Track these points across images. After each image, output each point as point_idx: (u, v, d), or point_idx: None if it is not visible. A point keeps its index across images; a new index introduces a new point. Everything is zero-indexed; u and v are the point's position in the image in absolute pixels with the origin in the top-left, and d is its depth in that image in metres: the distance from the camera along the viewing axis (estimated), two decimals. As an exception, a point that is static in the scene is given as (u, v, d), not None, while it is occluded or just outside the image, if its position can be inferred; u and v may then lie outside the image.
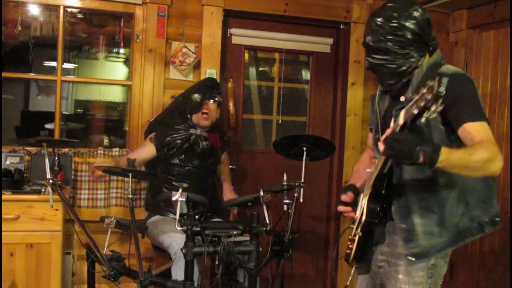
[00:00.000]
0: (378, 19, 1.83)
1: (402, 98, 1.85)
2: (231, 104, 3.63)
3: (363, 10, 3.76)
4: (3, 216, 2.74)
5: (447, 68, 1.82)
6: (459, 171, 1.63)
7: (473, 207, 1.84)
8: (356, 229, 1.89)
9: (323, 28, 3.87)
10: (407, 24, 1.78)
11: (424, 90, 1.47)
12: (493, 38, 3.57)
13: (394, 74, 1.85)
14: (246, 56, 3.83)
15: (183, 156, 3.01)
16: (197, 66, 3.48)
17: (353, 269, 2.20)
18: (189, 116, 3.01)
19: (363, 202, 1.87)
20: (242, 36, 3.70)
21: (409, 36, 1.79)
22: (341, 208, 1.98)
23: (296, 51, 3.88)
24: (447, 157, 1.54)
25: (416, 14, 1.80)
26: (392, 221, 1.91)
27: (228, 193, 3.27)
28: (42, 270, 2.84)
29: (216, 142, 3.14)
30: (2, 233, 2.71)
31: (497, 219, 1.88)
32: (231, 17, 3.65)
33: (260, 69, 3.98)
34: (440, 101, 1.45)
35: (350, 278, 2.07)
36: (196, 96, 3.00)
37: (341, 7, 3.75)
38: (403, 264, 1.87)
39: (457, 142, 1.74)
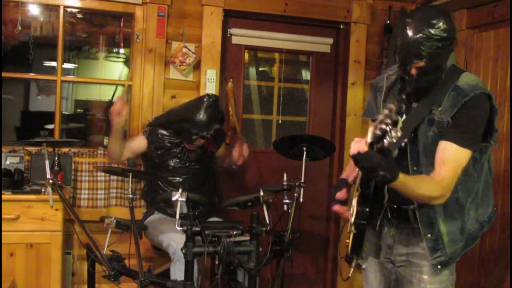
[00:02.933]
0: (416, 30, 1.71)
1: (415, 105, 1.84)
2: (231, 104, 3.63)
3: (363, 10, 3.76)
4: (3, 216, 2.74)
5: (466, 81, 1.77)
6: (410, 195, 1.76)
7: (478, 208, 1.89)
8: (350, 226, 1.91)
9: (323, 28, 3.86)
10: (449, 33, 1.71)
11: (386, 111, 1.51)
12: (493, 38, 3.56)
13: (429, 85, 1.80)
14: (246, 56, 3.83)
15: (173, 157, 3.02)
16: (197, 66, 3.48)
17: (353, 263, 2.22)
18: (179, 133, 2.99)
19: (353, 202, 1.89)
20: (242, 36, 3.70)
21: (450, 45, 1.74)
22: (337, 208, 1.98)
23: (296, 51, 3.88)
24: (399, 185, 1.66)
25: (447, 20, 1.72)
26: (407, 223, 1.92)
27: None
28: (42, 270, 2.84)
29: (209, 144, 3.11)
30: (2, 233, 2.71)
31: (492, 215, 1.94)
32: (231, 17, 3.65)
33: (260, 69, 3.98)
34: (398, 126, 1.50)
35: (351, 270, 2.08)
36: (191, 129, 2.89)
37: (341, 7, 3.75)
38: (428, 265, 1.89)
39: None
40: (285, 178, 2.91)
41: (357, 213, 1.85)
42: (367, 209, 1.85)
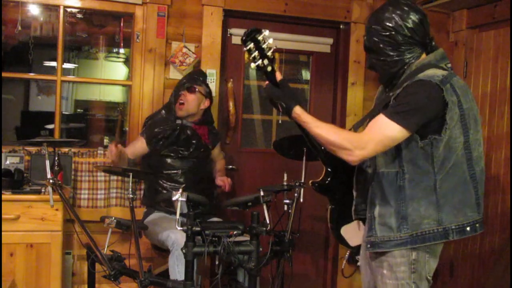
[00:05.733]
0: (372, 20, 1.91)
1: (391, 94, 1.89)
2: (231, 104, 3.63)
3: (363, 10, 3.76)
4: (3, 216, 2.74)
5: (426, 73, 1.82)
6: (313, 136, 1.90)
7: (445, 212, 1.83)
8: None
9: (323, 28, 3.86)
10: (397, 26, 1.84)
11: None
12: (493, 38, 3.57)
13: (386, 73, 1.92)
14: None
15: (171, 146, 3.05)
16: (197, 66, 3.48)
17: (347, 254, 2.29)
18: (173, 107, 3.11)
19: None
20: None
21: (399, 38, 1.84)
22: None
23: (296, 51, 3.88)
24: (297, 117, 1.88)
25: (408, 16, 1.84)
26: None
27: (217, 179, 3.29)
28: (42, 270, 2.84)
29: (204, 134, 3.18)
30: (2, 233, 2.71)
31: (468, 228, 1.85)
32: (231, 17, 3.64)
33: (260, 69, 3.97)
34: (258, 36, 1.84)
35: (344, 262, 2.17)
36: (178, 86, 3.13)
37: (341, 7, 3.75)
38: (386, 260, 1.90)
39: (425, 149, 1.81)
40: (285, 178, 2.92)
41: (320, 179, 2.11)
42: (329, 178, 2.06)
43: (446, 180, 1.83)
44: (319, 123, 1.87)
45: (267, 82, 1.94)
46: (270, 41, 1.86)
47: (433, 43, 1.91)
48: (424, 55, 1.89)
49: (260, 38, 1.83)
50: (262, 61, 1.86)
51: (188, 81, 3.12)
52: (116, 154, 2.84)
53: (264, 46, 1.85)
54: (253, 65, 1.87)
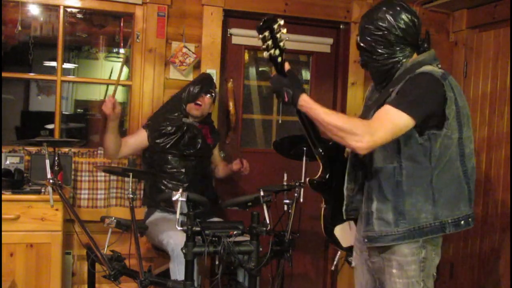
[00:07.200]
0: (365, 20, 1.94)
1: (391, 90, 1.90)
2: (231, 104, 3.63)
3: (363, 10, 3.75)
4: (3, 216, 2.74)
5: (426, 68, 1.86)
6: (319, 126, 1.88)
7: (440, 206, 1.87)
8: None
9: (323, 28, 3.86)
10: (390, 26, 1.87)
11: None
12: (493, 38, 3.57)
13: (378, 72, 1.96)
14: (246, 56, 3.83)
15: (175, 144, 3.05)
16: (197, 66, 3.48)
17: (338, 254, 2.31)
18: (184, 105, 3.10)
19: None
20: (242, 36, 3.70)
21: (391, 37, 1.88)
22: None
23: (296, 51, 3.88)
24: (305, 104, 1.85)
25: (400, 16, 1.87)
26: None
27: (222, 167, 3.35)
28: (42, 270, 2.84)
29: (206, 134, 3.21)
30: (2, 233, 2.71)
31: (462, 222, 1.89)
32: (231, 17, 3.64)
33: (260, 69, 3.98)
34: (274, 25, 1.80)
35: (335, 262, 2.18)
36: (195, 87, 3.12)
37: (341, 7, 3.75)
38: (395, 259, 1.90)
39: (426, 144, 1.83)
40: (285, 178, 2.92)
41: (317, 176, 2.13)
42: (327, 176, 2.07)
43: (441, 175, 1.86)
44: (328, 109, 1.84)
45: (274, 72, 1.92)
46: (284, 31, 1.85)
47: (425, 44, 1.94)
48: (415, 55, 1.93)
49: (275, 26, 1.82)
50: (274, 50, 1.85)
51: (206, 85, 3.15)
52: (113, 106, 2.79)
53: (278, 35, 1.84)
54: (266, 53, 1.86)
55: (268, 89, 3.92)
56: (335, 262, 2.22)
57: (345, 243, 2.32)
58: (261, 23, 1.81)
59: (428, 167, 1.85)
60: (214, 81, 3.35)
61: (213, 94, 3.17)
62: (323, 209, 2.25)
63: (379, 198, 1.91)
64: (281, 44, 1.86)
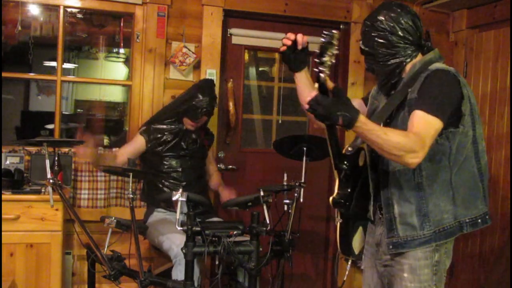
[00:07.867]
0: (366, 24, 1.95)
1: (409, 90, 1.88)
2: (231, 104, 3.63)
3: (363, 10, 3.76)
4: (3, 216, 2.74)
5: (437, 65, 1.86)
6: (374, 146, 1.72)
7: (458, 205, 1.86)
8: (336, 216, 1.97)
9: (323, 28, 3.84)
10: (391, 27, 1.87)
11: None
12: (493, 38, 3.57)
13: (383, 73, 1.94)
14: (246, 56, 3.83)
15: (173, 148, 3.06)
16: (197, 66, 3.48)
17: (349, 264, 2.25)
18: (181, 114, 3.09)
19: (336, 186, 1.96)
20: (242, 36, 3.70)
21: (392, 38, 1.87)
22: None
23: (296, 51, 3.87)
24: (363, 125, 1.65)
25: (400, 17, 1.87)
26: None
27: (224, 191, 3.30)
28: (42, 270, 2.84)
29: (202, 136, 3.22)
30: (2, 233, 2.71)
31: (479, 220, 1.88)
32: (231, 17, 3.64)
33: (260, 69, 3.97)
34: (334, 42, 1.76)
35: (346, 273, 2.11)
36: (197, 104, 3.03)
37: (341, 7, 3.75)
38: (408, 263, 1.88)
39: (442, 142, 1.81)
40: (285, 178, 2.92)
41: (337, 193, 1.93)
42: (349, 190, 1.91)
43: (459, 174, 1.85)
44: (385, 128, 1.74)
45: (314, 93, 1.68)
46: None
47: (429, 43, 1.94)
48: (420, 55, 1.92)
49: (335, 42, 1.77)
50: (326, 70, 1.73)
51: (208, 106, 3.06)
52: (87, 153, 2.88)
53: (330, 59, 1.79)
54: (322, 76, 1.73)
55: (268, 90, 3.91)
56: (344, 278, 2.16)
57: (357, 250, 2.29)
58: (330, 40, 1.81)
59: (447, 166, 1.83)
60: (214, 82, 3.33)
61: (212, 112, 3.14)
62: (339, 224, 2.09)
63: (399, 202, 1.87)
64: (331, 61, 1.79)
